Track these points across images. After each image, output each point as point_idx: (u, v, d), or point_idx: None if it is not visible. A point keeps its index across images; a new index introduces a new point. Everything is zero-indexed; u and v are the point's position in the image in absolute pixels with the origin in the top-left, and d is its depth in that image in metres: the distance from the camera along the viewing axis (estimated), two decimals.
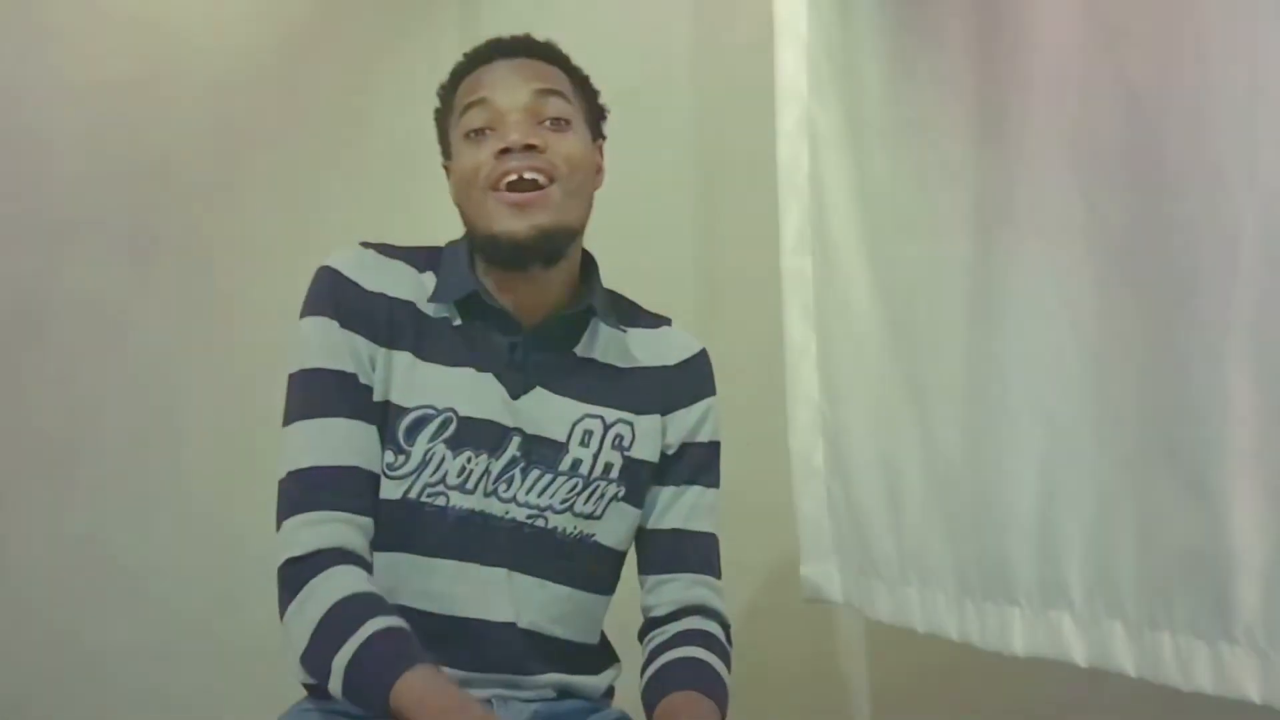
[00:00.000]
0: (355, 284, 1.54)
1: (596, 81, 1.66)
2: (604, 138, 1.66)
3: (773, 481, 2.18)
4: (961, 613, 1.88)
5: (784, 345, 2.14)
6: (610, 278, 1.69)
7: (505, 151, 1.50)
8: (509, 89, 1.53)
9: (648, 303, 1.73)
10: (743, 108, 2.33)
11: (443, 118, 1.62)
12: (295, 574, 1.45)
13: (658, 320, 1.71)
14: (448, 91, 1.62)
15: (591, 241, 2.45)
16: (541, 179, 1.51)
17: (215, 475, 2.37)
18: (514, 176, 1.50)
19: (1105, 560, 1.69)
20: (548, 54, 1.61)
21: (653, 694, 1.54)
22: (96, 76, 2.33)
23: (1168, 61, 1.60)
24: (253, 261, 2.41)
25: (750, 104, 2.24)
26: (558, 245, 1.55)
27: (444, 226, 1.64)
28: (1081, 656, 1.72)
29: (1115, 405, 1.67)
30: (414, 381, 1.53)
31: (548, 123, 1.54)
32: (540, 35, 1.64)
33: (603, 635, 1.67)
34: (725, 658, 1.59)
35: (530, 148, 1.50)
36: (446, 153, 1.62)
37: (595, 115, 1.64)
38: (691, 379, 1.68)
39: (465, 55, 1.63)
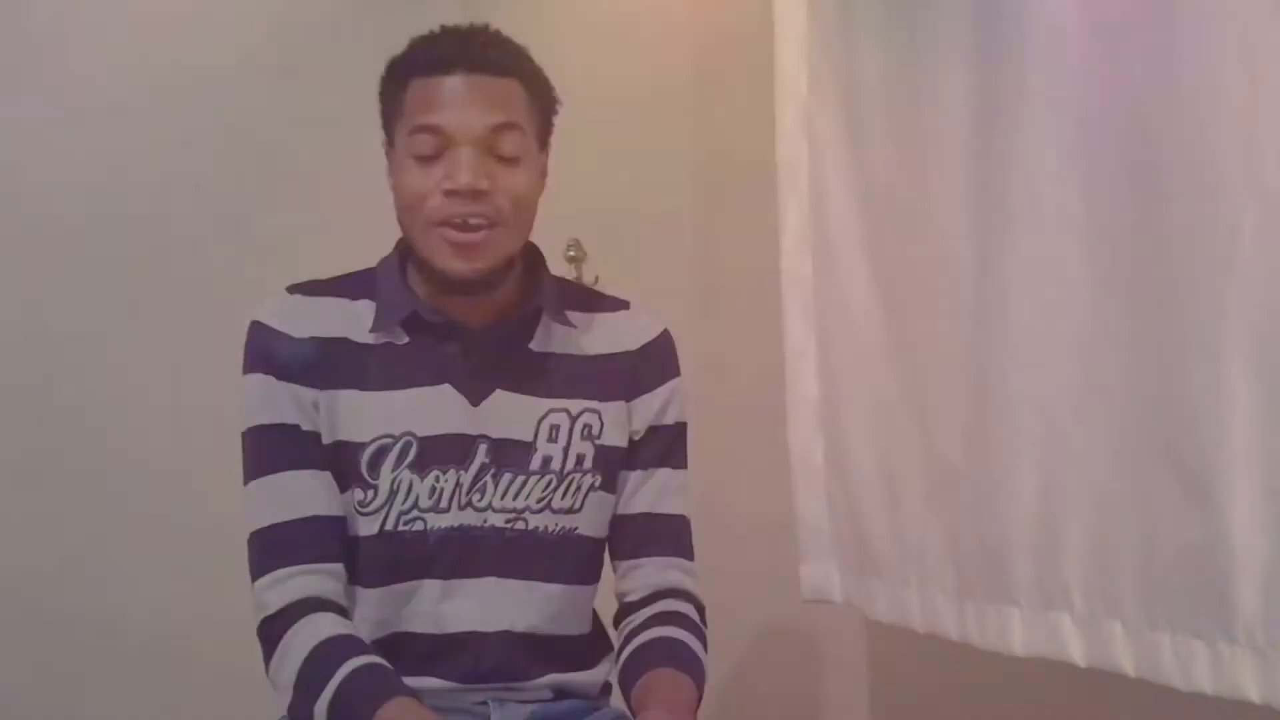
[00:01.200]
0: (284, 334, 1.53)
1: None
2: (550, 142, 1.60)
3: (772, 481, 2.18)
4: (961, 612, 1.88)
5: (784, 345, 2.14)
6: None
7: (453, 192, 1.47)
8: (464, 118, 1.47)
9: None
10: (743, 107, 2.33)
11: (389, 104, 1.54)
12: (270, 633, 1.49)
13: (617, 304, 1.68)
14: (398, 78, 1.53)
15: (592, 243, 2.47)
16: (485, 223, 1.48)
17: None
18: (459, 220, 1.48)
19: (1104, 560, 1.69)
20: (508, 65, 1.52)
21: (629, 675, 1.54)
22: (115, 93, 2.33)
23: (1167, 62, 1.60)
24: (269, 267, 2.37)
25: (750, 103, 2.24)
26: (499, 275, 1.54)
27: None
28: (1081, 656, 1.72)
29: (1114, 405, 1.68)
30: (364, 414, 1.52)
31: (499, 158, 1.49)
32: (498, 25, 1.56)
33: (595, 620, 1.66)
34: (701, 637, 1.59)
35: (478, 192, 1.47)
36: (390, 138, 1.55)
37: (547, 122, 1.58)
38: (655, 363, 1.65)
39: (421, 43, 1.54)
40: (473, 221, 1.47)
